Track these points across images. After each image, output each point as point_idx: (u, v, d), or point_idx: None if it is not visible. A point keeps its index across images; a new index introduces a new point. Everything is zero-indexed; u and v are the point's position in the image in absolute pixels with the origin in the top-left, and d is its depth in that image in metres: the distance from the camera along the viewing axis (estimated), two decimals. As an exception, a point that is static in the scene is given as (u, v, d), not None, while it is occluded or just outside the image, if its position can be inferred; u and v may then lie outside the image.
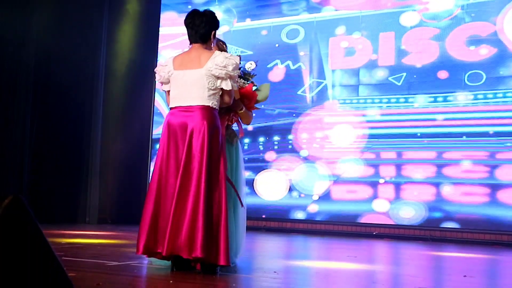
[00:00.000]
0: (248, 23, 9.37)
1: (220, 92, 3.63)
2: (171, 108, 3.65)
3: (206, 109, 3.54)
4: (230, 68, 3.57)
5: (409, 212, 7.95)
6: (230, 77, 3.59)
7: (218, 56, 3.60)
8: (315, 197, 8.51)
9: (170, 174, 3.51)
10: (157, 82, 3.79)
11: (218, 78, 3.57)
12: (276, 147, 8.83)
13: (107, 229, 7.86)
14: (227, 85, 3.59)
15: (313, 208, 8.53)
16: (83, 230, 7.40)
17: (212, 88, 3.57)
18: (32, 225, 1.95)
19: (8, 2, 8.33)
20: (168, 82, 3.71)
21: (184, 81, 3.60)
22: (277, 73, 9.02)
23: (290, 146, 8.78)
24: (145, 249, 3.49)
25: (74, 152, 9.07)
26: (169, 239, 3.40)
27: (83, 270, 3.40)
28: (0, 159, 8.27)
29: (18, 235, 1.89)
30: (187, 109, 3.55)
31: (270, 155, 8.85)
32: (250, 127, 8.90)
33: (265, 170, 8.88)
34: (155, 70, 3.86)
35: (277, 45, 9.10)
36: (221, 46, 4.15)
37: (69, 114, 8.96)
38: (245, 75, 4.18)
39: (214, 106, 3.59)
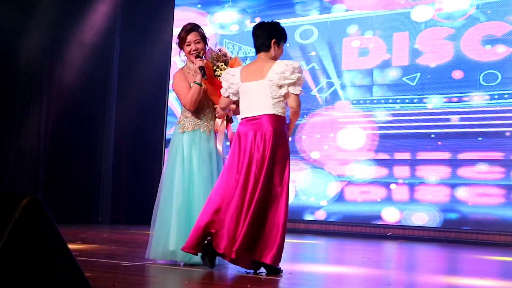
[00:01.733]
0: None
1: (285, 100, 3.75)
2: (241, 119, 3.83)
3: (271, 116, 3.70)
4: (288, 73, 3.67)
5: (423, 214, 7.90)
6: (293, 83, 3.69)
7: (278, 65, 3.73)
8: (328, 198, 8.48)
9: (233, 179, 3.67)
10: (224, 89, 3.92)
11: (280, 86, 3.70)
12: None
13: (120, 229, 7.88)
14: (294, 90, 3.70)
15: (326, 209, 8.50)
16: (96, 230, 7.42)
17: (276, 96, 3.71)
18: (49, 225, 1.96)
19: (19, 8, 8.38)
20: (236, 93, 3.87)
21: (250, 92, 3.78)
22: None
23: (303, 147, 8.75)
24: (193, 246, 3.59)
25: (88, 152, 9.11)
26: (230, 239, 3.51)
27: (99, 270, 3.41)
28: (16, 159, 8.33)
29: (36, 235, 1.89)
30: (254, 118, 3.73)
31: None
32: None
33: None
34: (222, 76, 3.96)
35: (288, 45, 9.06)
36: (204, 35, 4.24)
37: (82, 114, 9.00)
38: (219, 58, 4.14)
39: (279, 114, 3.72)
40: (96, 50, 9.12)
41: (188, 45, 4.20)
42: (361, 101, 8.51)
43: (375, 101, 8.43)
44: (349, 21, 8.71)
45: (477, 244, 7.44)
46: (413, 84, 8.19)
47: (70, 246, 2.16)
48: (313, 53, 8.92)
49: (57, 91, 8.76)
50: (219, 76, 4.05)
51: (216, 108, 4.13)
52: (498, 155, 7.60)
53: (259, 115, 3.71)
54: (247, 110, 3.78)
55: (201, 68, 4.05)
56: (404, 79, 8.26)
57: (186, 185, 4.05)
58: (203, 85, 4.08)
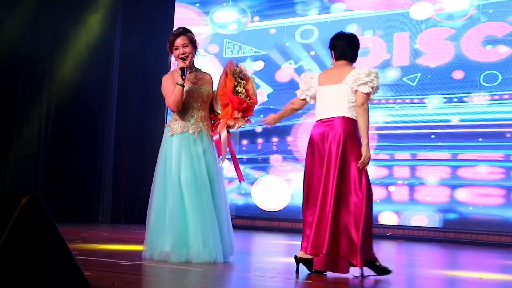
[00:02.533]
0: (262, 23, 9.36)
1: None
2: (316, 121, 3.95)
3: (344, 119, 3.81)
4: (363, 76, 3.82)
5: (423, 214, 7.90)
6: (364, 83, 3.82)
7: (355, 70, 3.88)
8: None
9: (316, 182, 3.82)
10: (301, 91, 4.13)
11: (355, 91, 3.82)
12: (289, 147, 8.81)
13: (120, 229, 7.88)
14: (363, 88, 3.82)
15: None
16: (96, 230, 7.42)
17: (352, 101, 3.83)
18: (49, 224, 1.96)
19: (20, 9, 8.38)
20: (314, 97, 4.02)
21: (327, 95, 3.91)
22: (290, 73, 9.00)
23: (303, 147, 8.74)
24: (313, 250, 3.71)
25: (88, 151, 9.11)
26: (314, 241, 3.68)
27: (98, 270, 3.41)
28: (16, 158, 8.33)
29: (36, 234, 1.89)
30: (328, 120, 3.84)
31: (284, 156, 8.84)
32: (259, 128, 8.90)
33: (263, 178, 8.87)
34: (301, 77, 4.17)
35: (287, 44, 9.08)
36: (193, 40, 4.32)
37: (83, 113, 8.99)
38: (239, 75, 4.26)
39: (354, 118, 3.83)
40: (97, 50, 9.12)
41: (176, 49, 4.28)
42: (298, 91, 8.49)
43: (375, 101, 8.43)
44: (350, 21, 8.71)
45: (476, 245, 7.44)
46: (414, 84, 8.20)
47: (70, 245, 2.17)
48: (313, 53, 8.92)
49: (57, 90, 8.76)
50: (239, 92, 4.18)
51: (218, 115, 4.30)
52: (498, 155, 7.60)
53: (332, 117, 3.83)
54: (322, 112, 3.91)
55: (182, 70, 4.13)
56: (404, 79, 8.26)
57: (176, 187, 4.10)
58: (185, 86, 4.17)
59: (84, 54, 8.92)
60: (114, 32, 9.43)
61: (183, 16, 9.91)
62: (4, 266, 1.81)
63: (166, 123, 9.80)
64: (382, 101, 8.36)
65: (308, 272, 3.74)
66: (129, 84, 9.70)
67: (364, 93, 3.79)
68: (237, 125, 4.23)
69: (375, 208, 8.08)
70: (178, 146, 4.17)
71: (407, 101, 8.23)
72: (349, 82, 3.81)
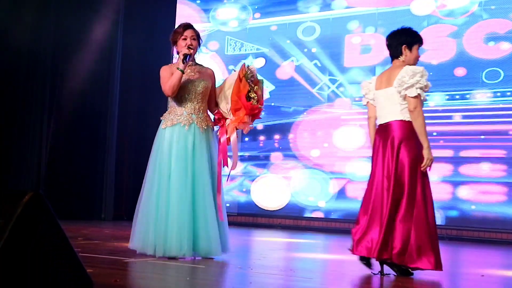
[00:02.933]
0: (264, 20, 9.35)
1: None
2: (378, 125, 3.98)
3: (398, 122, 3.79)
4: (407, 78, 3.74)
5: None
6: (410, 86, 3.74)
7: (401, 71, 3.80)
8: (330, 196, 8.49)
9: (374, 187, 3.91)
10: (364, 97, 4.19)
11: (404, 91, 3.77)
12: (290, 144, 8.81)
13: (122, 226, 7.89)
14: (410, 92, 3.75)
15: (327, 206, 8.50)
16: (99, 227, 7.43)
17: (403, 103, 3.79)
18: (51, 221, 1.96)
19: (23, 6, 8.38)
20: (374, 99, 4.03)
21: (381, 99, 3.91)
22: (292, 70, 9.00)
23: (305, 144, 8.75)
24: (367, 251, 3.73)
25: (90, 149, 9.11)
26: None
27: (100, 266, 3.41)
28: (18, 155, 8.33)
29: (38, 231, 1.90)
30: (384, 125, 3.86)
31: (284, 153, 8.84)
32: (260, 126, 8.90)
33: (262, 176, 8.87)
34: (362, 84, 4.22)
35: (288, 41, 9.07)
36: (200, 36, 4.41)
37: (85, 110, 9.00)
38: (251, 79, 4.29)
39: (408, 120, 3.80)
40: (99, 48, 9.12)
41: (185, 39, 4.32)
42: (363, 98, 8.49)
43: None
44: (352, 18, 8.70)
45: (479, 242, 7.44)
46: (416, 81, 8.17)
47: (72, 242, 2.17)
48: (315, 50, 8.91)
49: (60, 88, 8.75)
50: (251, 98, 4.21)
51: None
52: (500, 152, 7.59)
53: (388, 122, 3.83)
54: (380, 117, 3.94)
55: (185, 56, 4.20)
56: (406, 76, 8.24)
57: (165, 181, 4.14)
58: (184, 72, 4.22)
59: (86, 51, 8.92)
60: (116, 29, 9.42)
61: (184, 13, 9.91)
62: (7, 264, 1.81)
63: (168, 120, 9.83)
64: (384, 98, 8.34)
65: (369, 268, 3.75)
66: (131, 82, 9.70)
67: (413, 97, 3.73)
68: (246, 128, 4.26)
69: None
70: (170, 139, 4.21)
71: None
72: (396, 86, 3.77)
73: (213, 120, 4.42)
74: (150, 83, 9.82)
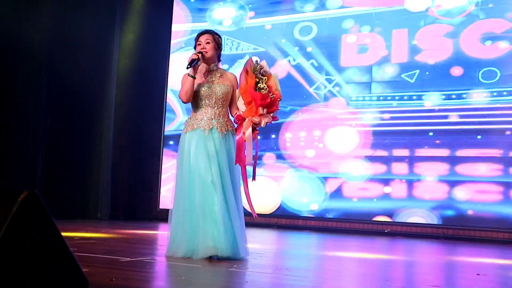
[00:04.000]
0: (260, 19, 9.36)
1: None
2: None
3: None
4: None
5: (421, 210, 7.91)
6: None
7: None
8: (326, 195, 8.49)
9: None
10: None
11: None
12: (287, 144, 8.81)
13: (119, 225, 7.89)
14: None
15: (324, 206, 8.51)
16: (95, 226, 7.43)
17: None
18: (47, 220, 1.96)
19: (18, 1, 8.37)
20: None
21: None
22: (289, 70, 9.00)
23: (302, 143, 8.76)
24: None
25: (87, 148, 9.11)
26: None
27: (96, 266, 3.41)
28: (14, 154, 8.31)
29: (33, 230, 1.90)
30: None
31: (278, 153, 8.84)
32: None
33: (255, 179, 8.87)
34: None
35: (283, 40, 9.07)
36: (217, 40, 4.41)
37: (81, 110, 8.99)
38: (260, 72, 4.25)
39: None
40: (95, 46, 9.12)
41: (199, 44, 4.36)
42: (359, 98, 8.52)
43: (374, 98, 8.44)
44: (348, 17, 8.71)
45: (475, 241, 7.46)
46: (412, 81, 8.20)
47: (68, 242, 2.17)
48: (312, 50, 8.92)
49: (56, 87, 8.74)
50: (261, 88, 4.14)
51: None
52: (496, 152, 7.61)
53: None
54: None
55: (192, 60, 4.21)
56: (403, 76, 8.26)
57: (186, 186, 4.17)
58: (203, 86, 4.27)
59: (83, 50, 8.91)
60: (112, 28, 9.43)
61: (181, 13, 9.91)
62: (2, 263, 1.81)
63: (164, 120, 9.84)
64: (381, 98, 8.36)
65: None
66: (127, 81, 9.70)
67: None
68: (263, 121, 4.18)
69: (374, 204, 8.11)
70: (189, 143, 4.24)
71: (405, 97, 8.23)
72: None
73: (235, 125, 4.39)
74: (146, 82, 9.84)
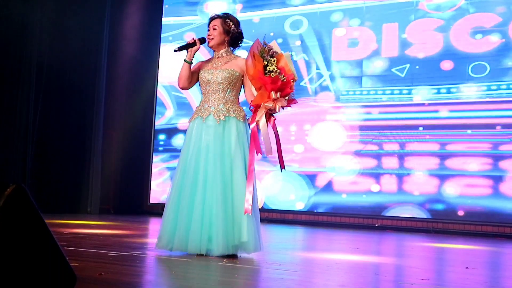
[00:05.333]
0: (251, 13, 9.33)
1: None
2: None
3: None
4: None
5: (411, 204, 7.94)
6: None
7: None
8: (316, 189, 8.51)
9: None
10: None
11: None
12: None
13: (109, 219, 7.87)
14: None
15: (314, 200, 8.52)
16: (85, 220, 7.41)
17: None
18: (34, 214, 1.95)
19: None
20: None
21: None
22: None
23: (292, 138, 8.76)
24: None
25: (77, 141, 9.07)
26: None
27: (86, 260, 3.40)
28: (4, 147, 8.27)
29: (21, 224, 1.88)
30: None
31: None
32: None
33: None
34: None
35: (272, 33, 9.04)
36: (227, 25, 4.32)
37: (72, 103, 8.96)
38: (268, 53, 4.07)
39: None
40: (86, 37, 9.08)
41: (208, 30, 4.31)
42: (350, 92, 8.52)
43: (364, 92, 8.45)
44: (339, 11, 8.71)
45: (464, 235, 7.50)
46: (402, 75, 8.21)
47: (58, 236, 2.16)
48: (302, 44, 8.91)
49: (46, 80, 8.70)
50: (271, 72, 3.92)
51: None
52: (485, 146, 7.64)
53: None
54: None
55: (184, 45, 4.21)
56: (393, 70, 8.27)
57: (179, 179, 4.06)
58: (206, 72, 4.16)
59: (73, 41, 8.86)
60: (102, 21, 9.37)
61: (173, 7, 9.87)
62: (-11, 257, 1.80)
63: (154, 114, 9.82)
64: (372, 92, 8.37)
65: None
66: (118, 74, 9.66)
67: None
68: (277, 106, 3.93)
69: (364, 198, 8.13)
70: (190, 133, 4.13)
71: (396, 92, 8.25)
72: None
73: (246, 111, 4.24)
74: (136, 76, 9.80)
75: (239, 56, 4.33)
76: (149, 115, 9.83)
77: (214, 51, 4.31)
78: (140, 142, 9.85)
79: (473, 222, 7.66)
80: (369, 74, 8.45)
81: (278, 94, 3.95)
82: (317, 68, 8.77)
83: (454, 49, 7.96)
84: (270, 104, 3.93)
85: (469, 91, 7.83)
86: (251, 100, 4.06)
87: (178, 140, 9.56)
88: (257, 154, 4.02)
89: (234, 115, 4.10)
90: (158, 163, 9.70)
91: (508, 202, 7.44)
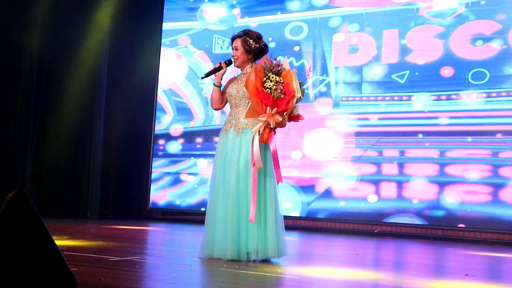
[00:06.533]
0: (251, 19, 9.35)
1: None
2: None
3: None
4: None
5: (411, 211, 7.93)
6: None
7: None
8: (316, 195, 8.50)
9: None
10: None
11: None
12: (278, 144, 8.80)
13: (108, 224, 7.86)
14: None
15: (313, 206, 8.52)
16: (84, 225, 7.40)
17: None
18: (35, 219, 1.95)
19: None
20: None
21: None
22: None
23: (292, 143, 8.76)
24: None
25: (77, 146, 9.07)
26: None
27: (85, 265, 3.40)
28: (4, 151, 8.27)
29: (22, 229, 1.89)
30: None
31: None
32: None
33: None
34: None
35: (270, 38, 9.04)
36: (247, 43, 4.44)
37: (71, 107, 8.95)
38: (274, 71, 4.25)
39: None
40: (86, 41, 9.08)
41: (232, 50, 4.52)
42: (350, 98, 8.53)
43: (364, 98, 8.46)
44: (339, 17, 8.72)
45: (464, 242, 7.49)
46: (402, 81, 8.22)
47: (58, 241, 2.16)
48: (301, 49, 8.92)
49: (46, 85, 8.71)
50: (268, 88, 4.10)
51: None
52: (485, 153, 7.64)
53: None
54: None
55: (212, 71, 4.47)
56: (393, 76, 8.28)
57: (212, 189, 4.32)
58: (220, 86, 4.44)
59: (73, 46, 8.87)
60: (103, 25, 9.37)
61: (172, 12, 9.89)
62: (-10, 262, 1.80)
63: (154, 119, 9.82)
64: (371, 98, 8.38)
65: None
66: (118, 79, 9.67)
67: None
68: (271, 121, 4.12)
69: (363, 204, 8.12)
70: (218, 146, 4.40)
71: (395, 98, 8.26)
72: None
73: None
74: (137, 80, 9.81)
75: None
76: (148, 120, 9.83)
77: (222, 73, 4.55)
78: (140, 147, 9.85)
79: (472, 229, 7.66)
80: (369, 80, 8.46)
81: (275, 110, 4.12)
82: (317, 74, 8.77)
83: (454, 56, 7.97)
84: (263, 119, 4.13)
85: (469, 98, 7.84)
86: (246, 113, 4.30)
87: (173, 146, 9.57)
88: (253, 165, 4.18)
89: (252, 127, 4.27)
90: (158, 168, 9.70)
91: (507, 209, 7.43)
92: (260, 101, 4.11)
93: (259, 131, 4.17)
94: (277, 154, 4.30)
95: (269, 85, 4.10)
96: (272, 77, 4.13)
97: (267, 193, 4.23)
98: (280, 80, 4.16)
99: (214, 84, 4.44)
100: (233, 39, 4.49)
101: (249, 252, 4.09)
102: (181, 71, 9.71)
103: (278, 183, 4.31)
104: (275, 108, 4.11)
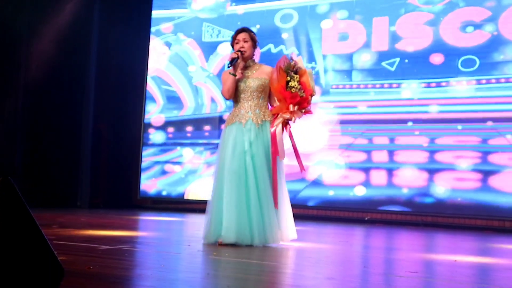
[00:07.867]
0: (241, 6, 9.30)
1: None
2: None
3: None
4: None
5: (401, 198, 7.96)
6: None
7: None
8: (306, 183, 8.51)
9: None
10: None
11: None
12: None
13: (98, 214, 7.84)
14: None
15: (304, 194, 8.53)
16: (74, 215, 7.38)
17: None
18: (21, 208, 1.93)
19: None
20: None
21: None
22: (270, 58, 8.96)
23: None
24: None
25: (66, 135, 9.03)
26: None
27: (74, 254, 3.39)
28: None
29: (7, 218, 1.87)
30: None
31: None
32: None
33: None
34: None
35: (258, 26, 9.00)
36: (254, 38, 4.76)
37: (60, 97, 8.90)
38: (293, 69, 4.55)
39: None
40: (75, 31, 9.02)
41: (237, 43, 4.66)
42: (340, 86, 8.52)
43: (354, 86, 8.45)
44: (329, 5, 8.69)
45: (453, 228, 7.53)
46: (392, 69, 8.22)
47: (47, 230, 2.14)
48: (293, 37, 8.90)
49: (34, 74, 8.64)
50: (292, 87, 4.43)
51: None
52: (475, 140, 7.67)
53: None
54: None
55: (233, 59, 4.51)
56: (383, 64, 8.28)
57: (222, 178, 4.43)
58: (237, 75, 4.55)
59: (62, 35, 8.80)
60: (91, 15, 9.32)
61: (162, 0, 9.82)
62: (-25, 250, 1.78)
63: (144, 107, 9.78)
64: (361, 86, 8.38)
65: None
66: (107, 68, 9.61)
67: None
68: (293, 118, 4.47)
69: (354, 192, 8.14)
70: (228, 137, 4.50)
71: (386, 85, 8.26)
72: None
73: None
74: (126, 69, 9.76)
75: (262, 64, 4.79)
76: (138, 109, 9.79)
77: (239, 63, 4.65)
78: (130, 136, 9.82)
79: (462, 216, 7.70)
80: (359, 68, 8.45)
81: (296, 107, 4.48)
82: (308, 62, 8.75)
83: (444, 43, 7.97)
84: (287, 116, 4.49)
85: (459, 85, 7.85)
86: (272, 107, 4.63)
87: (162, 135, 9.54)
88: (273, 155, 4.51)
89: (269, 119, 4.57)
90: (148, 157, 9.67)
91: (497, 196, 7.47)
92: (284, 98, 4.42)
93: (281, 124, 4.50)
94: (296, 146, 4.72)
95: (294, 85, 4.42)
96: (296, 77, 4.45)
97: (270, 183, 4.46)
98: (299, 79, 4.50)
99: (234, 74, 4.53)
100: (241, 31, 4.66)
101: (253, 238, 4.30)
102: (171, 59, 9.66)
103: (301, 172, 4.75)
104: (296, 106, 4.46)
